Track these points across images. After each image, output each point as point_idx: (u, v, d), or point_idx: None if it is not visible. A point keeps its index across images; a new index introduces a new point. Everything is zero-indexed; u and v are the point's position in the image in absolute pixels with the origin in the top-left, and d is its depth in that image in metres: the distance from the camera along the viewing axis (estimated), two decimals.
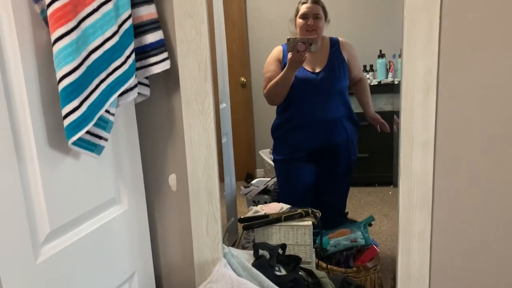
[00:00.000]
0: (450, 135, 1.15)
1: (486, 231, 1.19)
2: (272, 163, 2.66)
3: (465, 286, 1.23)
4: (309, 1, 1.92)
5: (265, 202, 2.17)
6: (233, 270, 1.24)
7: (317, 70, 1.94)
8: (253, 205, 2.12)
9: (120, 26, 0.96)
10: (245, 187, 2.42)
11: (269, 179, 2.42)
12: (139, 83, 1.11)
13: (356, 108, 2.09)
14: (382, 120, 2.05)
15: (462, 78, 1.11)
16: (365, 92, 2.09)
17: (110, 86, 0.94)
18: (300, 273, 1.39)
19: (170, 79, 1.21)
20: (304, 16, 1.91)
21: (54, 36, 0.83)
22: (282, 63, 1.96)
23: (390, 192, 2.52)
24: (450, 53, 1.10)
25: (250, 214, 1.71)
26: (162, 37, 1.10)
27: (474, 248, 1.21)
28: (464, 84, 1.12)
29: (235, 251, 1.32)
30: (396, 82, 2.61)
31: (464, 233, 1.20)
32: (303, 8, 1.91)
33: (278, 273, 1.33)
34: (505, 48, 1.07)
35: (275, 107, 2.04)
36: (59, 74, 0.84)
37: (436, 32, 1.08)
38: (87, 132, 0.91)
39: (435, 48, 1.09)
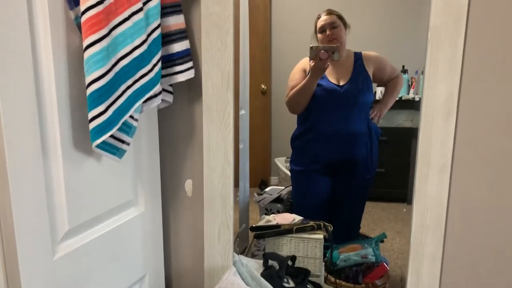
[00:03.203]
0: (467, 161, 1.14)
1: (499, 258, 1.18)
2: (287, 171, 2.66)
3: None
4: (324, 14, 1.93)
5: (278, 211, 2.17)
6: (242, 278, 1.25)
7: (342, 83, 1.95)
8: (266, 213, 2.13)
9: (149, 35, 0.99)
10: (259, 194, 2.43)
11: (283, 187, 2.42)
12: (163, 90, 1.14)
13: (378, 121, 2.07)
14: (378, 114, 2.02)
15: (483, 104, 1.11)
16: (391, 89, 2.06)
17: (136, 92, 0.97)
18: (308, 286, 1.39)
19: (193, 87, 1.24)
20: (322, 29, 1.92)
21: (86, 42, 0.87)
22: (306, 73, 1.97)
23: (405, 209, 2.50)
24: (473, 78, 1.10)
25: (262, 223, 1.72)
26: (188, 46, 1.13)
27: (486, 274, 1.20)
28: (485, 111, 1.11)
29: (244, 259, 1.34)
30: (417, 99, 2.59)
31: (476, 258, 1.19)
32: (319, 22, 1.93)
33: (286, 284, 1.34)
34: None
35: (294, 116, 2.04)
36: (88, 79, 0.87)
37: (459, 57, 1.08)
38: (111, 136, 0.94)
39: (458, 73, 1.09)
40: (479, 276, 1.20)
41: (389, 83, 2.06)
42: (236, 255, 1.31)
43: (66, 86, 0.90)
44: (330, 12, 1.93)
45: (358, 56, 1.99)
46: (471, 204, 1.16)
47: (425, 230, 1.18)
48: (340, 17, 1.94)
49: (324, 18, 1.93)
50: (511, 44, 1.06)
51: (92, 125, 0.89)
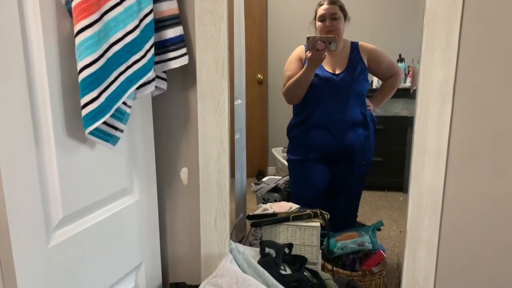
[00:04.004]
0: (463, 147, 1.14)
1: (495, 243, 1.18)
2: (284, 161, 2.66)
3: None
4: (326, 2, 1.91)
5: (275, 200, 2.18)
6: (239, 266, 1.25)
7: (337, 72, 1.94)
8: (263, 203, 2.13)
9: (141, 20, 0.98)
10: (256, 184, 2.43)
11: (280, 177, 2.42)
12: (157, 76, 1.13)
13: (374, 111, 2.07)
14: (371, 109, 2.02)
15: (479, 89, 1.10)
16: (388, 87, 2.05)
17: (128, 78, 0.96)
18: (305, 273, 1.40)
19: (188, 74, 1.23)
20: (321, 19, 1.91)
21: (77, 27, 0.86)
22: (303, 62, 1.96)
23: (401, 198, 2.51)
24: (469, 63, 1.09)
25: (258, 211, 1.72)
26: (182, 32, 1.12)
27: (482, 258, 1.20)
28: (481, 95, 1.11)
29: (241, 247, 1.34)
30: (414, 88, 2.59)
31: (472, 243, 1.20)
32: (320, 10, 1.92)
33: (283, 272, 1.34)
34: None
35: (291, 106, 2.04)
36: (80, 65, 0.86)
37: (455, 42, 1.07)
38: (104, 122, 0.93)
39: (454, 58, 1.08)
40: (476, 261, 1.20)
41: (387, 82, 2.06)
42: (232, 242, 1.31)
43: (57, 72, 0.89)
44: (332, 2, 1.91)
45: (354, 46, 1.98)
46: (467, 189, 1.16)
47: (421, 216, 1.18)
48: (341, 8, 1.92)
49: (325, 7, 1.91)
50: (507, 28, 1.05)
51: (85, 111, 0.88)
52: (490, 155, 1.13)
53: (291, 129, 2.07)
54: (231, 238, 1.31)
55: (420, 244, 1.20)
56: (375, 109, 2.04)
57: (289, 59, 2.01)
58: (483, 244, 1.19)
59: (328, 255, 1.71)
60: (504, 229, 1.17)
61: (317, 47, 1.77)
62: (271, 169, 3.07)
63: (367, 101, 1.99)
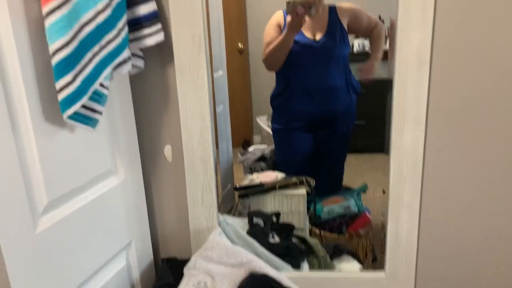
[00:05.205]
0: (441, 110, 1.15)
1: (474, 203, 1.22)
2: (269, 130, 2.67)
3: (452, 251, 1.27)
4: None
5: (261, 169, 2.20)
6: (228, 238, 1.27)
7: (318, 37, 1.92)
8: (249, 172, 2.15)
9: None
10: (242, 154, 2.44)
11: (266, 146, 2.44)
12: (133, 55, 1.11)
13: (357, 75, 2.06)
14: (367, 70, 2.01)
15: (457, 51, 1.11)
16: (376, 39, 2.04)
17: (103, 59, 0.94)
18: (293, 240, 1.43)
19: (164, 50, 1.21)
20: None
21: (45, 10, 0.83)
22: (282, 28, 1.94)
23: (384, 159, 2.55)
24: (445, 24, 1.09)
25: (245, 182, 1.74)
26: (156, 8, 1.09)
27: (463, 218, 1.24)
28: (459, 58, 1.11)
29: (229, 219, 1.36)
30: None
31: (452, 204, 1.23)
32: None
33: (272, 240, 1.37)
34: (502, 20, 1.06)
35: (273, 73, 2.03)
36: (51, 48, 0.84)
37: (431, 1, 1.07)
38: (82, 106, 0.92)
39: (430, 19, 1.08)
40: (456, 221, 1.24)
41: (371, 36, 2.04)
42: (220, 215, 1.33)
43: (30, 57, 0.87)
44: None
45: (332, 9, 1.95)
46: (446, 153, 1.19)
47: (403, 181, 1.21)
48: None
49: None
50: None
51: (61, 96, 0.87)
52: (469, 117, 1.15)
53: (274, 98, 2.07)
54: (219, 210, 1.33)
55: (402, 208, 1.23)
56: (372, 70, 2.01)
57: (268, 26, 1.98)
58: (463, 204, 1.23)
59: (315, 220, 1.75)
60: (482, 190, 1.20)
61: (296, 12, 1.75)
62: (256, 137, 3.07)
63: (363, 66, 1.98)
